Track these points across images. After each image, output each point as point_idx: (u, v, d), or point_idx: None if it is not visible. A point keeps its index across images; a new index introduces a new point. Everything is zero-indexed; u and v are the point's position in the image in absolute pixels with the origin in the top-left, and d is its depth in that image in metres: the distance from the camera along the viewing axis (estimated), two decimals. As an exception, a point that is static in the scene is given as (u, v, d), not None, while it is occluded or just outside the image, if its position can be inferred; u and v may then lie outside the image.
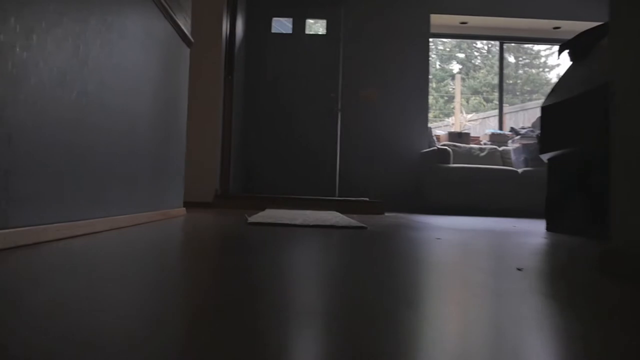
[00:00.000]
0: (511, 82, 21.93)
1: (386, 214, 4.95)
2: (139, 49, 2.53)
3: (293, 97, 6.32)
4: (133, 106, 2.48)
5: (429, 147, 6.41)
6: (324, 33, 6.41)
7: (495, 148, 6.47)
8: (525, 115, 10.52)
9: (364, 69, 6.44)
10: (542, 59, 22.15)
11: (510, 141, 6.47)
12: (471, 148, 6.46)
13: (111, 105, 2.21)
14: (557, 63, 23.12)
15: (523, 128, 6.86)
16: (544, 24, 6.80)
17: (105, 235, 1.98)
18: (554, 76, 23.22)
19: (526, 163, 6.03)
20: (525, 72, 21.62)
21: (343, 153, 6.37)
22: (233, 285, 1.01)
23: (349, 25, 6.44)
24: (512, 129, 6.86)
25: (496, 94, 22.91)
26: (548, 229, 3.29)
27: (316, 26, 7.05)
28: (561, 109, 3.14)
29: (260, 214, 3.68)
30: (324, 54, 6.34)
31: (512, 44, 21.82)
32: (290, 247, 1.77)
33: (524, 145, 6.08)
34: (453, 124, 11.42)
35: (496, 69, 22.15)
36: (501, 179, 5.85)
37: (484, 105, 20.98)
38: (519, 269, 1.41)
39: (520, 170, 5.91)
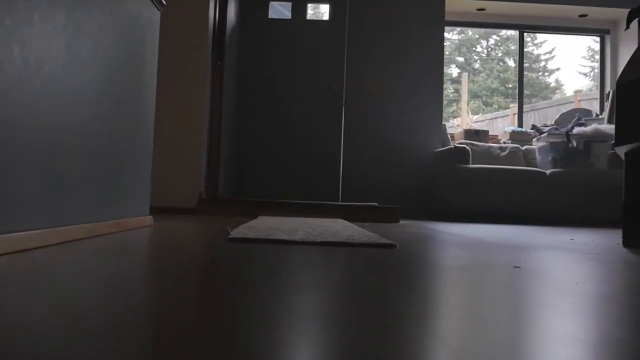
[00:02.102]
0: (511, 86, 21.12)
1: (401, 221, 4.08)
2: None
3: (292, 89, 5.47)
4: (65, 77, 1.62)
5: (444, 146, 5.56)
6: (327, 19, 5.56)
7: (517, 147, 5.61)
8: (535, 116, 9.68)
9: (371, 59, 5.59)
10: (542, 63, 21.34)
11: (535, 139, 5.61)
12: (490, 147, 5.60)
13: (15, 70, 1.34)
14: (557, 67, 22.34)
15: (545, 125, 6.01)
16: (569, 11, 5.96)
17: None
18: (553, 80, 22.45)
19: (554, 163, 5.16)
20: (525, 75, 20.81)
21: (347, 152, 5.50)
22: None
23: (354, 10, 5.59)
24: (533, 127, 6.01)
25: (496, 98, 22.16)
26: (626, 244, 2.42)
27: (318, 11, 6.21)
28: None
29: (251, 223, 2.81)
30: (327, 42, 5.49)
31: (512, 47, 21.10)
32: (286, 300, 0.89)
33: (552, 143, 5.23)
34: (458, 125, 10.56)
35: (495, 72, 21.39)
36: (527, 181, 4.99)
37: (484, 109, 20.17)
38: None
39: (548, 172, 5.05)
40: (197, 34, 3.90)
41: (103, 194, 2.04)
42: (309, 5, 5.58)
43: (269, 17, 5.53)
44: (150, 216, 2.61)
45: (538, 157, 5.41)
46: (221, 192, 4.61)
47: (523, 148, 5.61)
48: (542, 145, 5.35)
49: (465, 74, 12.61)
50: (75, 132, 1.77)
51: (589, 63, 21.06)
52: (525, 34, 18.60)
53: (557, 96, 20.65)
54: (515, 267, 1.45)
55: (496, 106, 20.00)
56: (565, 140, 5.23)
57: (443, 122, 5.72)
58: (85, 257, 1.43)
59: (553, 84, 21.71)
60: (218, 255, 1.54)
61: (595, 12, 5.90)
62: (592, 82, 21.10)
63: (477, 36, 20.09)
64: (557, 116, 8.73)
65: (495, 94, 20.40)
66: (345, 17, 5.49)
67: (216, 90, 4.32)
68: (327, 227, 2.66)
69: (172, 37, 3.78)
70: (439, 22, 5.64)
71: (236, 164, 5.40)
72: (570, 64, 21.95)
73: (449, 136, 5.73)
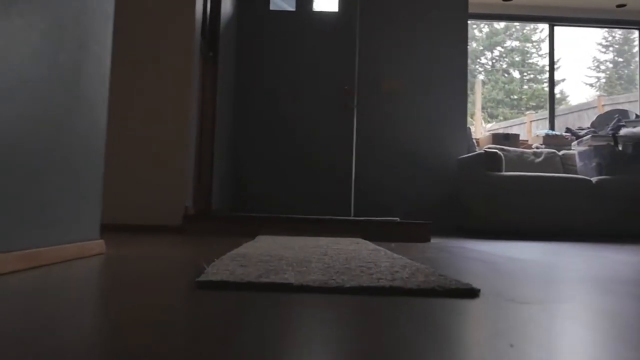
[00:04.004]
0: (516, 97, 20.31)
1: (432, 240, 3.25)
2: None
3: (297, 89, 4.68)
4: None
5: (469, 152, 4.75)
6: (336, 10, 4.79)
7: (554, 152, 4.79)
8: (554, 123, 8.86)
9: (386, 54, 4.81)
10: (547, 74, 20.55)
11: (575, 143, 4.79)
12: (523, 152, 4.79)
13: None
14: (562, 78, 21.52)
15: (581, 129, 5.20)
16: (605, 2, 5.18)
17: None
18: (557, 91, 21.61)
19: (599, 170, 4.34)
20: (530, 87, 19.99)
21: (359, 159, 4.70)
22: None
23: (367, 0, 4.83)
24: (568, 130, 5.20)
25: (501, 109, 21.39)
26: None
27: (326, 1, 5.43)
28: None
29: (244, 248, 2.00)
30: (336, 37, 4.71)
31: (517, 59, 20.35)
32: None
33: (596, 147, 4.41)
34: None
35: (500, 84, 20.64)
36: (570, 190, 4.17)
37: (489, 121, 19.35)
38: None
39: (594, 180, 4.23)
40: (181, 13, 3.10)
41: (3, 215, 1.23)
42: (315, -5, 4.81)
43: (271, 8, 4.76)
44: (101, 241, 1.79)
45: (579, 163, 4.59)
46: (216, 205, 3.81)
47: (560, 153, 4.80)
48: (584, 150, 4.53)
49: (479, 80, 11.82)
50: None
51: (594, 74, 20.31)
52: (532, 43, 17.82)
53: (561, 107, 19.83)
54: None
55: (502, 118, 19.19)
56: (612, 143, 4.42)
57: (468, 126, 4.92)
58: None
59: (558, 95, 20.89)
60: (144, 342, 0.72)
61: (636, 2, 5.11)
62: (598, 93, 20.32)
63: (481, 48, 19.36)
64: (579, 121, 7.93)
65: (500, 106, 19.60)
66: (357, 7, 4.72)
67: (208, 85, 3.53)
68: (351, 254, 1.84)
69: (147, 15, 3.01)
70: (462, 13, 4.86)
71: (235, 172, 4.60)
72: (576, 74, 21.18)
73: (474, 141, 4.93)
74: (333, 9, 4.78)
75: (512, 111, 19.64)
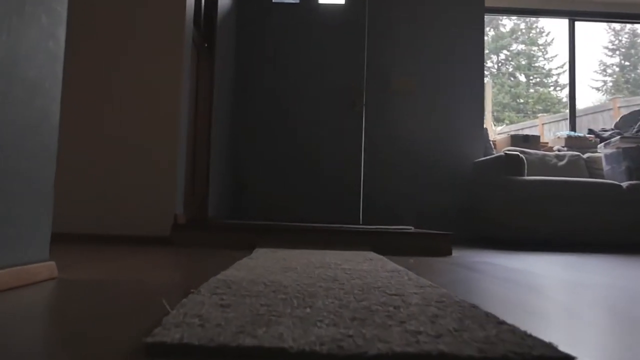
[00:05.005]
0: (522, 101, 19.83)
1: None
2: None
3: (301, 87, 4.30)
4: None
5: (486, 155, 4.35)
6: (343, 3, 4.40)
7: (578, 155, 4.37)
8: (565, 125, 8.44)
9: (396, 50, 4.41)
10: (554, 77, 20.02)
11: (602, 145, 4.38)
12: (545, 155, 4.37)
13: None
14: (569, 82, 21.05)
15: (604, 130, 4.78)
16: (630, -6, 4.78)
17: None
18: (564, 95, 21.13)
19: (630, 174, 3.93)
20: (536, 90, 19.51)
21: (368, 162, 4.30)
22: None
23: (375, -8, 4.44)
24: (591, 131, 4.79)
25: (507, 113, 20.90)
26: None
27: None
28: None
29: (234, 269, 1.60)
30: (343, 31, 4.32)
31: (523, 62, 19.90)
32: None
33: (625, 149, 3.99)
34: (480, 137, 9.29)
35: (507, 87, 20.17)
36: (599, 196, 3.75)
37: (495, 125, 18.88)
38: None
39: (624, 185, 3.82)
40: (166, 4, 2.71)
41: None
42: (321, -13, 4.43)
43: (273, 0, 4.38)
44: (51, 263, 1.40)
45: (606, 166, 4.17)
46: (212, 212, 3.42)
47: (585, 156, 4.38)
48: (612, 152, 4.11)
49: (489, 82, 11.41)
50: None
51: (601, 77, 19.82)
52: (538, 47, 17.33)
53: (567, 110, 19.36)
54: None
55: (508, 121, 18.74)
56: (642, 145, 4.00)
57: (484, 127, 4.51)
58: None
59: (565, 99, 20.43)
60: None
61: (664, -6, 4.70)
62: (605, 97, 19.81)
63: (487, 51, 18.92)
64: (593, 124, 7.50)
65: (506, 109, 19.15)
66: (365, 0, 4.34)
67: (203, 79, 3.15)
68: (366, 278, 1.44)
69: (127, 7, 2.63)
70: (478, 6, 4.46)
71: (234, 176, 4.21)
72: (583, 78, 20.67)
73: (491, 143, 4.52)
74: (339, 1, 4.39)
75: (518, 115, 19.20)
